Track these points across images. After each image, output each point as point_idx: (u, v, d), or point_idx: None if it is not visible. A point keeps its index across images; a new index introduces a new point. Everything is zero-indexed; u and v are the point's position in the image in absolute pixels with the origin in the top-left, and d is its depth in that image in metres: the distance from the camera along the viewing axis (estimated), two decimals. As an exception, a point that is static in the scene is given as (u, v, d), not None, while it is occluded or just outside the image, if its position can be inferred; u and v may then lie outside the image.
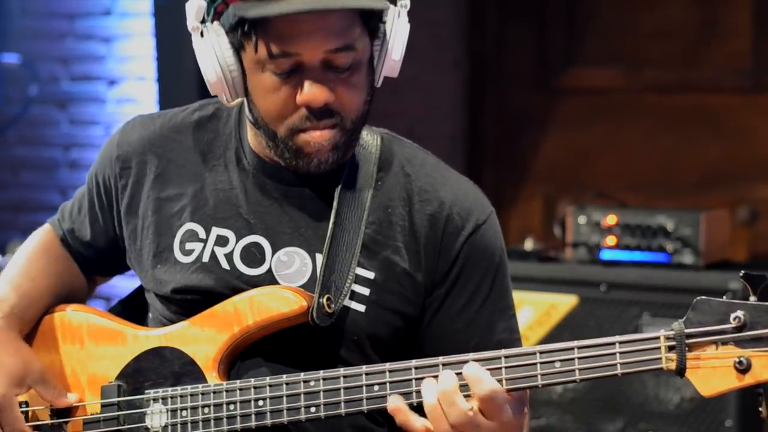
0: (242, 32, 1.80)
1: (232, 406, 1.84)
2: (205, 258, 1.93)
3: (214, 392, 1.85)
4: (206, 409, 1.85)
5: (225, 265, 1.92)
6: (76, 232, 2.09)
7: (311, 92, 1.79)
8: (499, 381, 1.70)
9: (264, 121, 1.85)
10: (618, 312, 3.59)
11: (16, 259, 2.08)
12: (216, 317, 1.89)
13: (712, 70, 4.70)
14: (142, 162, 2.01)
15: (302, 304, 1.84)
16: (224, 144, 1.99)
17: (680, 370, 1.64)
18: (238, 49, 1.83)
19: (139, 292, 2.11)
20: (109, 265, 2.12)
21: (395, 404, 1.74)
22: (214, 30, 1.83)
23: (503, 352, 1.72)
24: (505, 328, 1.92)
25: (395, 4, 1.86)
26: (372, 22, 1.84)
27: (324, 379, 1.79)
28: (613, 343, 1.67)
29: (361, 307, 1.88)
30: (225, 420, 1.84)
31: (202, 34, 1.84)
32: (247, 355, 1.89)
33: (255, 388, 1.82)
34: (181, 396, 1.88)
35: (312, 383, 1.80)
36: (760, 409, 1.63)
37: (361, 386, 1.77)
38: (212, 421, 1.85)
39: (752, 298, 1.63)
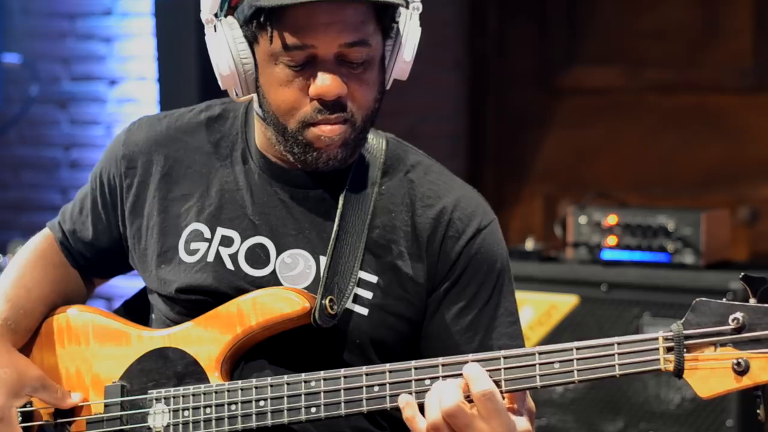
0: (258, 23, 1.80)
1: (233, 407, 1.84)
2: (210, 258, 1.93)
3: (216, 392, 1.86)
4: (208, 409, 1.86)
5: (229, 265, 1.93)
6: (78, 233, 2.09)
7: (324, 84, 1.80)
8: (498, 381, 1.70)
9: (275, 115, 1.85)
10: (619, 312, 3.58)
11: (11, 269, 2.07)
12: (219, 318, 1.90)
13: (713, 70, 4.69)
14: (147, 162, 2.01)
15: (305, 305, 1.85)
16: (231, 144, 1.99)
17: (678, 372, 1.65)
18: (251, 43, 1.84)
19: (141, 294, 2.12)
20: (109, 266, 2.12)
21: (407, 399, 1.73)
22: (227, 23, 1.84)
23: (502, 352, 1.72)
24: (504, 334, 1.92)
25: (407, 7, 1.87)
26: (386, 20, 1.85)
27: (324, 380, 1.80)
28: (612, 344, 1.68)
29: (364, 311, 1.89)
30: (226, 420, 1.84)
31: (215, 29, 1.85)
32: (252, 357, 1.90)
33: (256, 388, 1.83)
34: (183, 396, 1.88)
35: (312, 383, 1.80)
36: (758, 411, 1.63)
37: (361, 387, 1.78)
38: (213, 421, 1.85)
39: (752, 300, 1.63)
